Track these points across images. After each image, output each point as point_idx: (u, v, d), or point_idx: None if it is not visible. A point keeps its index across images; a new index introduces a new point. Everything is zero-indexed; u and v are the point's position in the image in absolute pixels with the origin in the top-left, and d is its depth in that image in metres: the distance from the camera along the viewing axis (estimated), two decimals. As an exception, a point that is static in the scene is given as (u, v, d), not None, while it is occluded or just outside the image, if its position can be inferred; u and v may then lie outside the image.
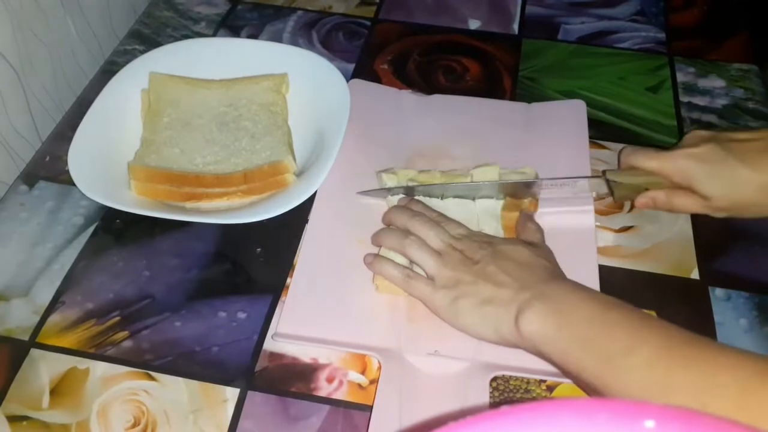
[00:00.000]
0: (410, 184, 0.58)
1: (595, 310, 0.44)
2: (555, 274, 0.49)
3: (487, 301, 0.47)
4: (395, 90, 0.71)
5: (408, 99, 0.70)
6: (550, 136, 0.65)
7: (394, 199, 0.59)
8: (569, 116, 0.68)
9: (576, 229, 0.58)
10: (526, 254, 0.50)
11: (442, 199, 0.59)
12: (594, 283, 0.54)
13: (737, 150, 0.53)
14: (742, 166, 0.52)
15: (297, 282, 0.55)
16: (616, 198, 0.59)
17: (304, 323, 0.52)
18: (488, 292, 0.48)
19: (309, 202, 0.59)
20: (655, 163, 0.56)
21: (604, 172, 0.58)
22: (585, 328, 0.43)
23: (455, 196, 0.59)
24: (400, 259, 0.54)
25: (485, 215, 0.58)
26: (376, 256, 0.54)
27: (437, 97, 0.70)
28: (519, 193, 0.58)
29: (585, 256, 0.56)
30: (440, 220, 0.54)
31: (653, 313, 0.54)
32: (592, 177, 0.59)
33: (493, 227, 0.57)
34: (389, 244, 0.54)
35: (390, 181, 0.60)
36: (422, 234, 0.53)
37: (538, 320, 0.44)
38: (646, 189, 0.57)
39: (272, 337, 0.52)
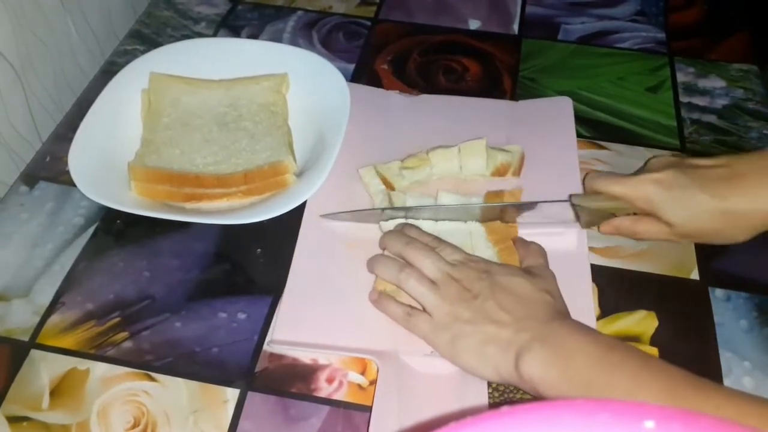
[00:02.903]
0: (406, 204, 0.59)
1: (596, 353, 0.43)
2: (555, 310, 0.48)
3: (486, 342, 0.46)
4: (382, 91, 0.71)
5: (396, 100, 0.70)
6: (537, 133, 0.66)
7: (370, 180, 0.60)
8: (556, 113, 0.68)
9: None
10: (526, 287, 0.49)
11: (436, 221, 0.58)
12: (588, 305, 0.53)
13: (699, 177, 0.52)
14: (702, 193, 0.51)
15: (291, 287, 0.55)
16: (583, 224, 0.57)
17: (299, 329, 0.52)
18: (487, 331, 0.47)
19: (306, 204, 0.59)
20: (619, 189, 0.54)
21: (570, 196, 0.57)
22: (586, 372, 0.42)
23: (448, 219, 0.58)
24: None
25: (477, 236, 0.57)
26: (380, 293, 0.53)
27: (425, 98, 0.70)
28: (492, 215, 0.58)
29: (577, 269, 0.55)
30: (435, 244, 0.53)
31: (653, 314, 0.54)
32: (558, 201, 0.57)
33: (483, 244, 0.56)
34: (385, 276, 0.53)
35: (368, 175, 0.60)
36: (418, 263, 0.51)
37: (538, 364, 0.44)
38: (612, 215, 0.56)
39: (268, 344, 0.52)
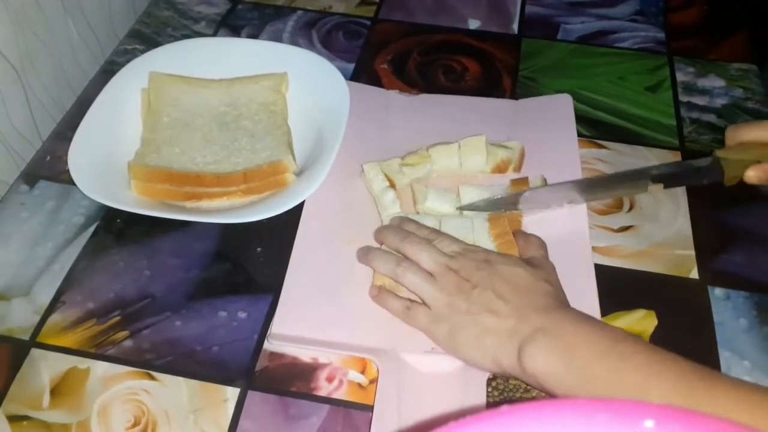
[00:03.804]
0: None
1: (602, 344, 0.42)
2: (557, 300, 0.47)
3: (486, 332, 0.46)
4: (382, 90, 0.71)
5: (395, 99, 0.70)
6: (538, 131, 0.66)
7: (374, 177, 0.60)
8: (557, 111, 0.68)
9: (569, 234, 0.57)
10: (526, 277, 0.48)
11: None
12: (591, 291, 0.53)
13: None
14: None
15: (290, 283, 0.55)
16: (727, 180, 0.55)
17: (298, 324, 0.52)
18: (486, 321, 0.46)
19: (305, 203, 0.59)
20: None
21: (712, 151, 0.55)
22: (594, 364, 0.42)
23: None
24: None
25: (480, 230, 0.57)
26: (380, 288, 0.53)
27: (425, 97, 0.70)
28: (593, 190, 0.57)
29: (580, 262, 0.55)
30: (433, 237, 0.52)
31: (653, 313, 0.54)
32: (702, 158, 0.56)
33: (485, 237, 0.56)
34: (381, 270, 0.53)
35: (372, 171, 0.60)
36: (415, 256, 0.51)
37: (542, 356, 0.43)
38: (758, 164, 0.54)
39: (267, 339, 0.52)
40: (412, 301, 0.51)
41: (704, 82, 0.74)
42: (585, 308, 0.48)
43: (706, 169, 0.55)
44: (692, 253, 0.58)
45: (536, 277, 0.48)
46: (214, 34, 0.79)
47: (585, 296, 0.53)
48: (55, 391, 0.50)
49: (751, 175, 0.54)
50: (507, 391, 0.49)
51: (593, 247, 0.58)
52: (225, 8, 0.83)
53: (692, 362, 0.41)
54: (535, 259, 0.52)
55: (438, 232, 0.54)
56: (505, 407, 0.23)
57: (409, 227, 0.54)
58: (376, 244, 0.56)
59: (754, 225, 0.59)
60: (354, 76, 0.74)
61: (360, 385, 0.50)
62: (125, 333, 0.53)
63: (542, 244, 0.54)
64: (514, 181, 0.59)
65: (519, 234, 0.55)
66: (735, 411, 0.37)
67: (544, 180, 0.60)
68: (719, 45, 0.78)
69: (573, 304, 0.49)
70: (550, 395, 0.44)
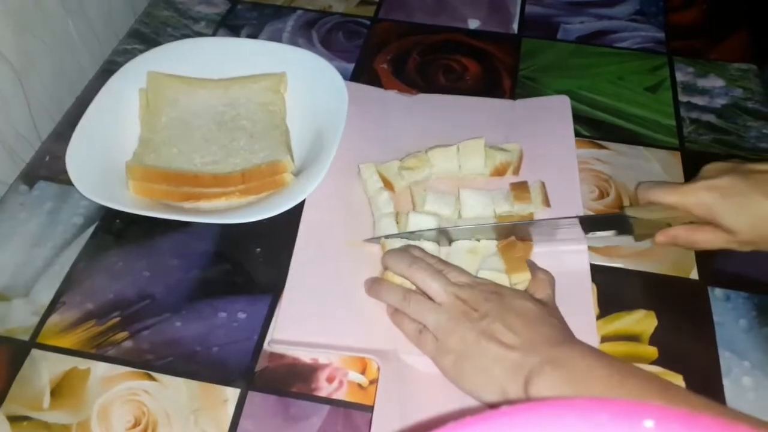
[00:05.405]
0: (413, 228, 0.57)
1: (611, 379, 0.42)
2: (565, 334, 0.47)
3: (494, 362, 0.45)
4: (381, 90, 0.71)
5: (394, 99, 0.70)
6: (536, 132, 0.66)
7: (369, 178, 0.60)
8: (554, 112, 0.68)
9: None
10: (535, 311, 0.47)
11: (440, 245, 0.57)
12: (592, 332, 0.52)
13: (759, 182, 0.51)
14: (765, 199, 0.49)
15: (290, 287, 0.55)
16: (637, 236, 0.55)
17: (299, 328, 0.52)
18: (494, 352, 0.45)
19: (304, 203, 0.59)
20: (675, 198, 0.53)
21: (622, 208, 0.56)
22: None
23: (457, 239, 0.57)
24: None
25: (487, 255, 0.56)
26: (396, 309, 0.52)
27: (423, 97, 0.70)
28: (517, 232, 0.56)
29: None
30: (441, 267, 0.51)
31: (652, 314, 0.54)
32: (610, 214, 0.56)
33: (494, 263, 0.55)
34: (389, 301, 0.52)
35: (367, 171, 0.60)
36: (424, 283, 0.50)
37: (549, 389, 0.42)
38: (668, 225, 0.54)
39: (268, 344, 0.52)
40: (424, 326, 0.50)
41: (704, 82, 0.73)
42: (582, 332, 0.48)
43: (617, 224, 0.56)
44: (692, 253, 0.58)
45: (546, 312, 0.48)
46: (214, 34, 0.79)
47: (583, 321, 0.51)
48: (55, 392, 0.50)
49: (660, 241, 0.55)
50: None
51: (593, 247, 0.58)
52: (225, 8, 0.83)
53: (705, 399, 0.40)
54: (542, 298, 0.50)
55: (446, 263, 0.52)
56: (505, 407, 0.23)
57: (417, 253, 0.53)
58: (377, 247, 0.56)
59: (754, 225, 0.59)
60: (354, 76, 0.74)
61: (360, 386, 0.50)
62: (125, 334, 0.53)
63: (551, 283, 0.52)
64: (514, 185, 0.59)
65: (529, 267, 0.54)
66: None
67: (543, 185, 0.60)
68: (719, 45, 0.78)
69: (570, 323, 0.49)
70: None
